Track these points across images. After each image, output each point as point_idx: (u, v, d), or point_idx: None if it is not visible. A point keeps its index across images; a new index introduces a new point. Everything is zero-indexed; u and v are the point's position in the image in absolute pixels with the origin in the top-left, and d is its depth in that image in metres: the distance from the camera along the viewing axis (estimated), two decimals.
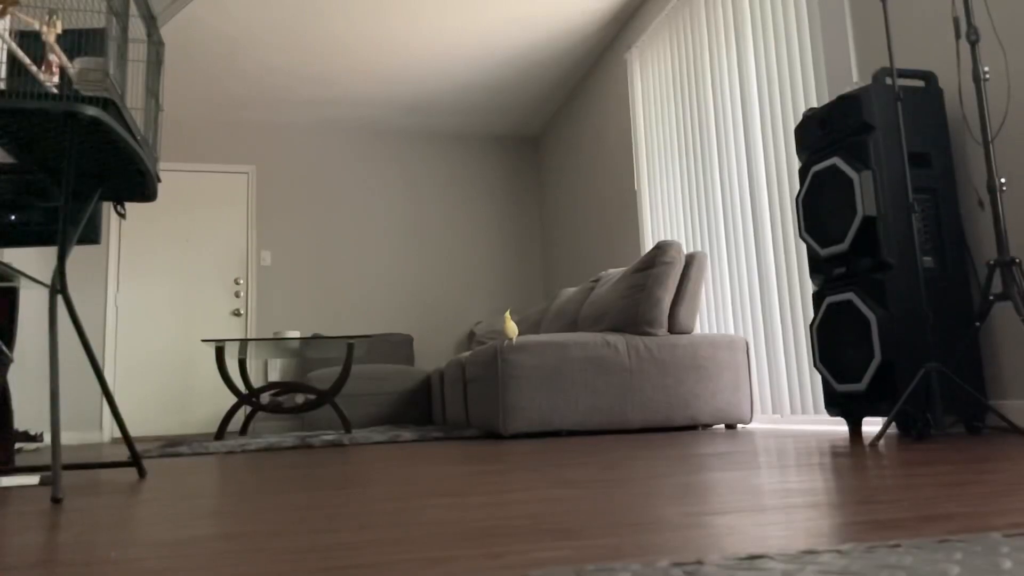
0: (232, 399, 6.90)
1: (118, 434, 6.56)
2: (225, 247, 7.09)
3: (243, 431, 5.50)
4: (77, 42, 2.10)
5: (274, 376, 6.95)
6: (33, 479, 2.08)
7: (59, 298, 1.86)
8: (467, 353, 4.64)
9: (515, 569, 0.75)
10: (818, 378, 3.61)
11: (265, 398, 6.58)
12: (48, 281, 5.67)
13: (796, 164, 3.80)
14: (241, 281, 7.07)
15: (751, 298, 4.17)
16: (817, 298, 2.95)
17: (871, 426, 3.24)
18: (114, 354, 6.68)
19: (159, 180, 2.28)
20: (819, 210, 2.91)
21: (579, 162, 6.78)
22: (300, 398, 6.33)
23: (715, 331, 4.54)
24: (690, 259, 4.11)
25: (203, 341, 4.70)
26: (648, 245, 5.46)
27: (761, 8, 4.10)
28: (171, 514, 1.32)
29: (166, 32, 5.56)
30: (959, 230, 2.77)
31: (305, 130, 7.44)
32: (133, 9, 2.08)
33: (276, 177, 7.30)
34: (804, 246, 3.72)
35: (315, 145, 7.44)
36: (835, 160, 2.81)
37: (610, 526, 0.99)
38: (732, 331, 4.36)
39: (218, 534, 1.07)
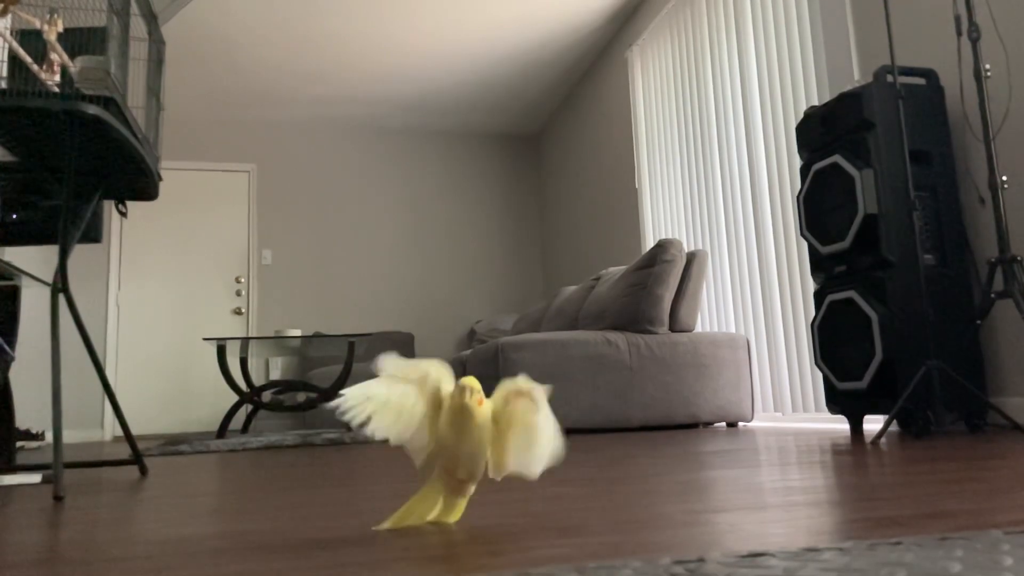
0: (233, 397, 6.90)
1: (119, 432, 6.56)
2: (226, 246, 7.10)
3: (244, 429, 5.50)
4: (78, 41, 2.10)
5: (275, 374, 6.95)
6: (35, 477, 2.08)
7: (61, 297, 1.86)
8: (468, 351, 4.64)
9: (516, 567, 0.75)
10: (819, 376, 3.61)
11: (266, 396, 6.59)
12: (50, 280, 5.67)
13: (797, 162, 3.80)
14: (242, 279, 7.07)
15: (752, 296, 4.17)
16: (818, 296, 2.94)
17: (872, 424, 3.24)
18: (115, 352, 6.69)
19: (160, 179, 2.28)
20: (820, 208, 2.91)
21: (580, 160, 6.77)
22: (301, 396, 6.34)
23: (716, 329, 4.54)
24: (691, 257, 4.11)
25: (204, 340, 4.70)
26: (649, 243, 5.46)
27: (762, 6, 4.09)
28: (172, 512, 1.32)
29: (167, 31, 5.56)
30: (960, 228, 2.77)
31: (306, 128, 7.44)
32: (134, 7, 2.08)
33: (277, 175, 7.30)
34: (805, 244, 3.72)
35: (316, 143, 7.44)
36: (836, 158, 2.81)
37: (611, 524, 0.99)
38: (733, 329, 4.36)
39: (219, 532, 1.07)
